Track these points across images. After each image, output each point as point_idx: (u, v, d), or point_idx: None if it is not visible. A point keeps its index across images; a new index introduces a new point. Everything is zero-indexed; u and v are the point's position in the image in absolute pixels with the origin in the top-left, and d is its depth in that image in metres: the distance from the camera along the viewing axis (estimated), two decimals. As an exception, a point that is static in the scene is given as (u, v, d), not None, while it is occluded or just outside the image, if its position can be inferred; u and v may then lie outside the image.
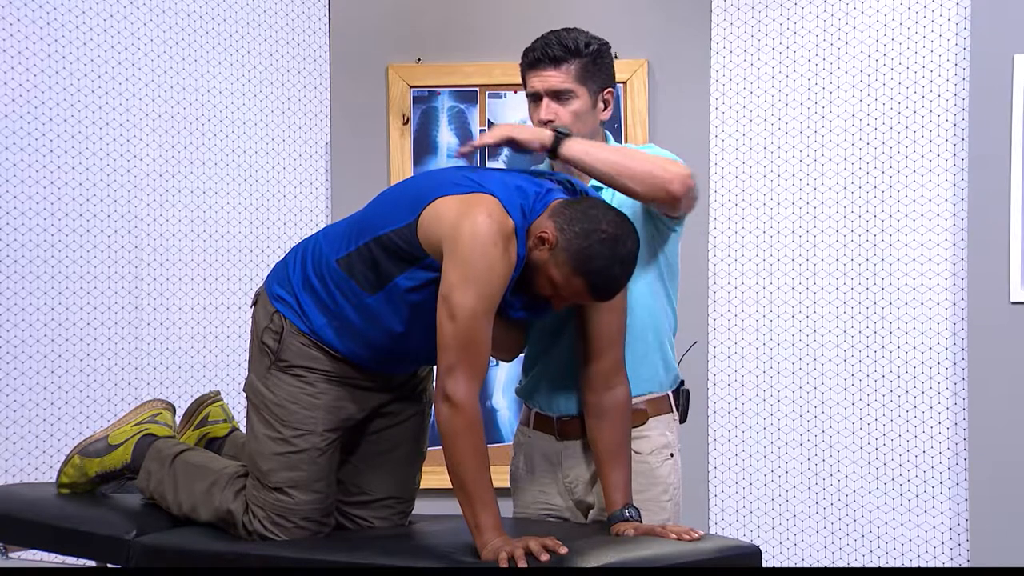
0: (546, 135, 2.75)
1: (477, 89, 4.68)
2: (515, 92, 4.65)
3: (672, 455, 2.93)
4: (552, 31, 2.92)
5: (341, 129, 4.75)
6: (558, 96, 2.84)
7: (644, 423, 2.90)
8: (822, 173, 4.51)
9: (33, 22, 4.10)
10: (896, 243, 4.40)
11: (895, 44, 4.41)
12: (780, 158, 4.58)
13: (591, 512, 2.92)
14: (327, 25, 4.78)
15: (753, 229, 4.60)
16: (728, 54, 4.66)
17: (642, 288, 2.87)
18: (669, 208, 2.81)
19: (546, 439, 2.93)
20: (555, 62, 2.85)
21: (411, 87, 4.67)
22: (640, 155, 2.80)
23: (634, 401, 2.84)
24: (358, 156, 4.72)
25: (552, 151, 2.73)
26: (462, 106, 4.69)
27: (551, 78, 2.85)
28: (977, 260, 4.23)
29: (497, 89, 4.67)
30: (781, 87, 4.59)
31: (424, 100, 4.69)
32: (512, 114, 4.66)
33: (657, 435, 2.91)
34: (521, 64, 2.91)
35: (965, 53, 4.28)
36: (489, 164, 4.67)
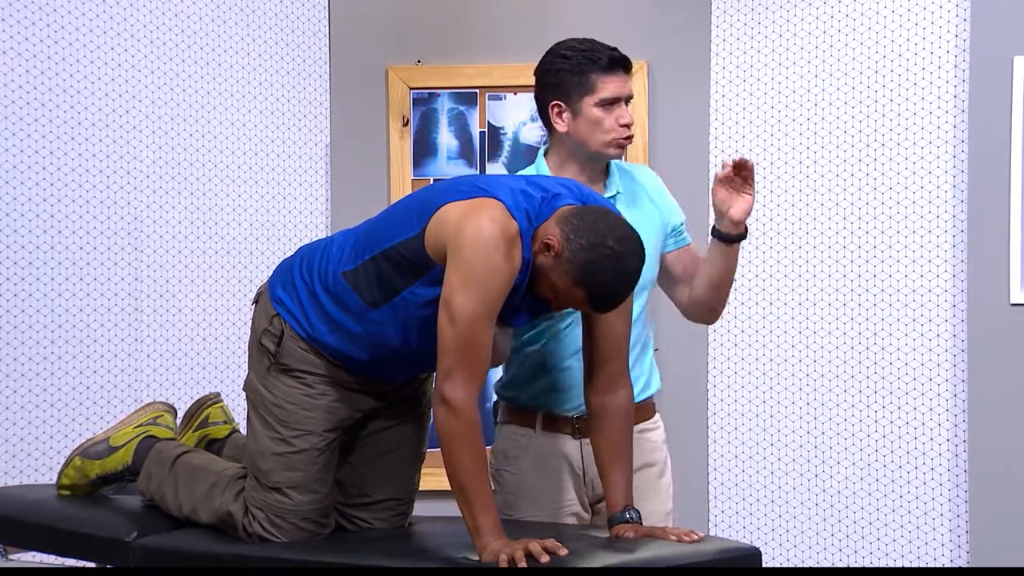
0: None
1: (477, 91, 4.68)
2: (515, 94, 4.65)
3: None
4: (590, 39, 2.95)
5: (341, 131, 4.75)
6: (627, 102, 2.92)
7: (653, 416, 3.08)
8: (822, 175, 4.52)
9: (33, 23, 4.10)
10: (896, 244, 4.40)
11: (895, 46, 4.41)
12: (780, 159, 4.58)
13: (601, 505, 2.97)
14: (327, 27, 4.78)
15: (753, 230, 4.59)
16: (728, 55, 4.66)
17: (643, 299, 2.99)
18: None
19: (558, 439, 2.94)
20: (627, 69, 2.92)
21: (411, 89, 4.68)
22: None
23: (652, 398, 3.06)
24: (358, 158, 4.72)
25: None
26: (462, 108, 4.69)
27: (627, 84, 2.92)
28: (977, 261, 4.23)
29: (497, 91, 4.67)
30: (781, 89, 4.59)
31: (424, 102, 4.69)
32: (512, 115, 4.67)
33: (662, 428, 3.09)
34: (583, 66, 2.89)
35: (965, 55, 4.28)
36: (490, 168, 4.67)
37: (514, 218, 2.51)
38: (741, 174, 2.89)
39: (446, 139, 4.69)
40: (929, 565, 4.31)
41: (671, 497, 3.09)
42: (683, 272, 3.06)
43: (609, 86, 2.88)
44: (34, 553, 3.69)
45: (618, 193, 2.99)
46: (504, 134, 4.67)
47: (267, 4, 4.68)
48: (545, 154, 3.01)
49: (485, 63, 4.67)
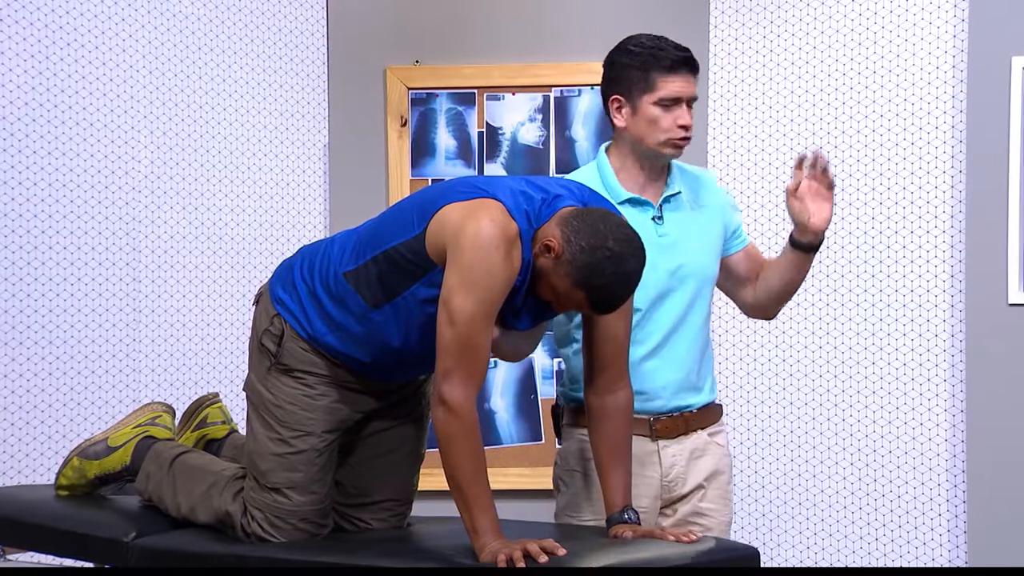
0: None
1: (475, 91, 4.68)
2: (513, 94, 4.65)
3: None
4: (660, 36, 2.94)
5: (339, 131, 4.75)
6: (690, 104, 2.88)
7: (720, 420, 3.05)
8: (820, 174, 4.51)
9: (31, 23, 4.11)
10: (894, 244, 4.40)
11: (893, 46, 4.42)
12: (778, 159, 4.58)
13: (682, 504, 2.97)
14: (325, 27, 4.78)
15: (751, 230, 4.60)
16: (726, 55, 4.67)
17: (706, 299, 2.98)
18: None
19: (636, 441, 2.88)
20: (693, 71, 2.88)
21: (409, 89, 4.67)
22: None
23: (716, 401, 3.04)
24: (356, 158, 4.72)
25: None
26: (460, 108, 4.69)
27: (692, 85, 2.88)
28: (975, 262, 4.23)
29: (495, 91, 4.67)
30: (779, 88, 4.59)
31: (422, 102, 4.69)
32: (510, 115, 4.66)
33: (725, 432, 3.07)
34: (646, 64, 2.89)
35: (963, 55, 4.29)
36: (488, 168, 4.67)
37: (514, 219, 2.51)
38: (823, 181, 2.87)
39: (444, 139, 4.69)
40: (927, 565, 4.32)
41: None
42: (747, 272, 3.06)
43: (670, 86, 2.87)
44: (32, 553, 3.69)
45: (679, 192, 2.97)
46: (502, 134, 4.67)
47: (266, 4, 4.68)
48: (607, 150, 3.00)
49: (483, 63, 4.66)
